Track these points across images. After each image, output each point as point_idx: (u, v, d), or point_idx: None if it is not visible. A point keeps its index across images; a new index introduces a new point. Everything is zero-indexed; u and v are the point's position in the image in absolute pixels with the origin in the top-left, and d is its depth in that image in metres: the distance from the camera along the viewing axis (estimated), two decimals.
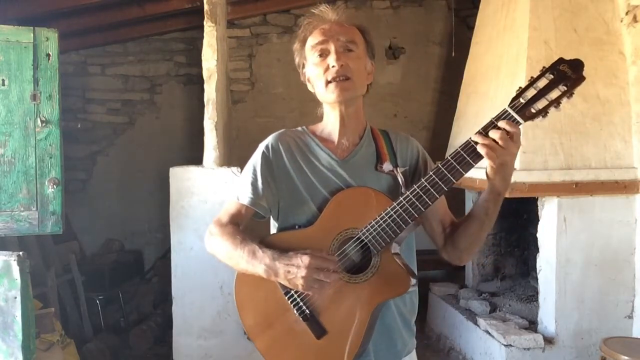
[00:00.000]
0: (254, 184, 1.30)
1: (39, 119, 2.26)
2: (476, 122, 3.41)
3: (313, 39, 1.29)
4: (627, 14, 2.89)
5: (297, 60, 1.35)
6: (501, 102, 3.06)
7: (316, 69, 1.27)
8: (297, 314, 1.21)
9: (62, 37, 2.35)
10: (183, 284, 2.97)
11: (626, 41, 2.91)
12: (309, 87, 1.35)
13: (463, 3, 4.60)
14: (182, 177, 2.99)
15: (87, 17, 3.71)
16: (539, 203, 2.94)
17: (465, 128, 3.59)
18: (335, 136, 1.32)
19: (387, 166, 1.29)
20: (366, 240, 1.17)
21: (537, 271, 3.01)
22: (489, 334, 2.98)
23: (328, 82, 1.24)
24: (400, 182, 1.26)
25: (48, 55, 2.27)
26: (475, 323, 3.17)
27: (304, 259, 1.13)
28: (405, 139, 1.37)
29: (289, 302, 1.21)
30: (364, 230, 1.17)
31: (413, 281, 1.17)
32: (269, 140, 1.35)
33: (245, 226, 1.32)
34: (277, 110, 4.57)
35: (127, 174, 4.59)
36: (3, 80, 2.22)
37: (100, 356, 3.26)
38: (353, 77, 1.24)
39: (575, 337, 2.86)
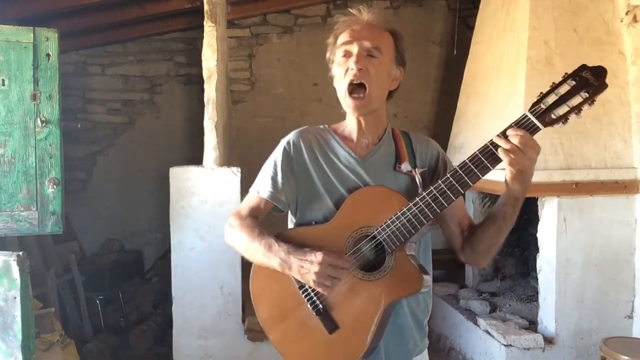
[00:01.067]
0: (274, 178, 1.33)
1: (39, 119, 2.26)
2: (476, 122, 3.41)
3: (342, 38, 1.30)
4: (627, 14, 2.89)
5: (327, 55, 1.37)
6: (501, 102, 3.07)
7: (339, 69, 1.29)
8: (310, 308, 1.23)
9: (62, 37, 2.35)
10: (183, 284, 2.97)
11: (626, 41, 2.90)
12: (334, 84, 1.36)
13: (463, 3, 4.60)
14: (182, 177, 2.99)
15: (87, 17, 3.70)
16: (538, 203, 2.94)
17: (465, 128, 3.59)
18: (354, 135, 1.34)
19: (405, 166, 1.31)
20: (381, 239, 1.18)
21: (537, 271, 3.01)
22: (489, 334, 2.98)
23: (347, 92, 1.26)
24: (418, 183, 1.28)
25: (48, 55, 2.27)
26: (475, 323, 3.17)
27: (318, 256, 1.16)
28: (425, 141, 1.39)
29: (303, 296, 1.24)
30: (379, 229, 1.19)
31: (426, 282, 1.18)
32: (291, 136, 1.37)
33: (264, 219, 1.35)
34: (277, 110, 4.57)
35: (127, 174, 4.59)
36: (3, 80, 2.22)
37: (100, 356, 3.26)
38: (370, 84, 1.25)
39: (575, 337, 2.86)
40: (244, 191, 3.02)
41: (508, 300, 3.43)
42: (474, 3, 4.21)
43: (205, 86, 3.10)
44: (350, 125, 1.36)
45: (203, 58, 3.09)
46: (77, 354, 2.81)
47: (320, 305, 1.22)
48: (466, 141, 3.44)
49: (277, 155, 1.35)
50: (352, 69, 1.24)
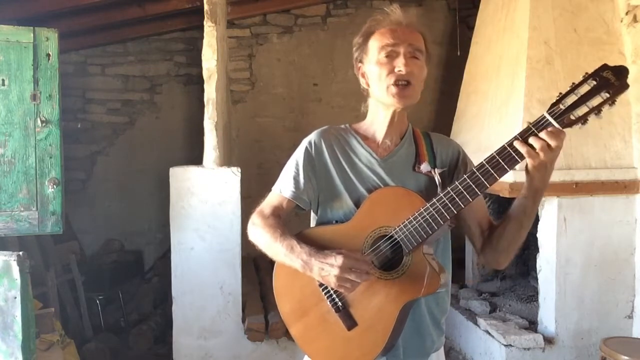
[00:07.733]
0: (296, 178, 1.35)
1: (39, 119, 2.26)
2: (476, 122, 3.41)
3: (382, 38, 1.30)
4: (627, 14, 2.89)
5: (355, 54, 1.36)
6: (501, 102, 3.07)
7: (379, 69, 1.28)
8: (330, 305, 1.25)
9: (62, 37, 2.35)
10: (183, 284, 2.97)
11: (626, 41, 2.91)
12: (361, 82, 1.36)
13: (463, 3, 4.59)
14: (182, 177, 2.99)
15: (87, 17, 3.70)
16: None
17: (465, 128, 3.59)
18: (379, 135, 1.35)
19: (425, 167, 1.32)
20: (398, 239, 1.20)
21: (537, 271, 3.01)
22: (489, 334, 2.98)
23: (390, 85, 1.26)
24: (437, 184, 1.28)
25: (48, 55, 2.27)
26: (475, 323, 3.17)
27: (338, 259, 1.16)
28: (447, 141, 1.40)
29: (323, 293, 1.26)
30: (397, 229, 1.20)
31: (443, 281, 1.19)
32: (312, 136, 1.39)
33: (286, 217, 1.37)
34: (277, 110, 4.57)
35: (127, 174, 4.59)
36: (3, 80, 2.22)
37: (100, 356, 3.26)
38: (414, 85, 1.27)
39: (575, 337, 2.86)
40: (244, 191, 3.04)
41: (508, 300, 3.43)
42: (474, 3, 4.21)
43: (205, 86, 3.10)
44: (378, 123, 1.36)
45: (203, 58, 3.09)
46: (77, 354, 2.81)
47: (340, 303, 1.24)
48: (466, 141, 3.44)
49: (298, 155, 1.37)
50: (400, 70, 1.25)
